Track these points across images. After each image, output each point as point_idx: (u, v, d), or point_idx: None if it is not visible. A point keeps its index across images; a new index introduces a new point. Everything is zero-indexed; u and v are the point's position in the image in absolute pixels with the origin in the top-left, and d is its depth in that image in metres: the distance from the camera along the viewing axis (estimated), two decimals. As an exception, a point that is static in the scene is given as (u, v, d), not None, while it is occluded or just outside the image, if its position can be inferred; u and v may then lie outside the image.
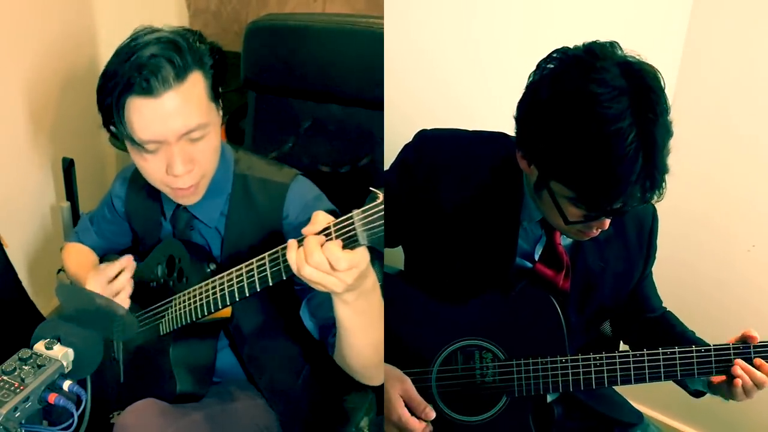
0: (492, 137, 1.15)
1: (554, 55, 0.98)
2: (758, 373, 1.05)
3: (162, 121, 1.00)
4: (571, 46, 0.97)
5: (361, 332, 0.96)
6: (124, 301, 1.16)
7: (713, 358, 1.08)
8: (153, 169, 1.06)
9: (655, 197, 0.94)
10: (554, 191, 0.98)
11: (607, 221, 1.01)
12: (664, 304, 1.29)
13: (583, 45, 0.96)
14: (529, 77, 1.00)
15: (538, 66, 0.99)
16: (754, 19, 1.68)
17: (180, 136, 1.01)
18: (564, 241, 1.13)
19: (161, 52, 0.98)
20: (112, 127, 1.06)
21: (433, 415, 1.04)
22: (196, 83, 1.02)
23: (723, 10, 1.74)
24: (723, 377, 1.08)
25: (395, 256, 1.24)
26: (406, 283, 1.17)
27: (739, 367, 1.06)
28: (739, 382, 1.05)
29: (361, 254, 0.83)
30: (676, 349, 1.09)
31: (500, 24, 1.56)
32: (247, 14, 2.30)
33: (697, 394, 1.17)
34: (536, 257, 1.14)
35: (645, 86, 0.92)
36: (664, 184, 0.93)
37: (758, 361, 1.07)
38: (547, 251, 1.12)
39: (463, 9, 1.51)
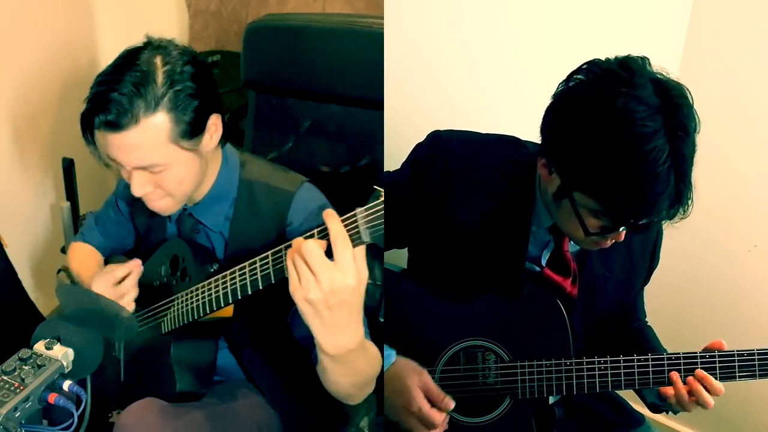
0: (504, 141, 1.15)
1: (586, 66, 0.98)
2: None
3: (118, 152, 1.05)
4: (603, 59, 0.97)
5: (340, 377, 0.96)
6: (129, 304, 1.18)
7: (717, 365, 1.08)
8: (124, 176, 1.11)
9: (680, 213, 0.95)
10: (577, 202, 0.98)
11: (623, 233, 1.01)
12: (664, 305, 1.29)
13: (615, 59, 0.97)
14: (559, 86, 1.00)
15: (570, 76, 0.99)
16: (755, 19, 1.68)
17: (134, 167, 1.06)
18: (571, 248, 1.13)
19: (123, 95, 1.00)
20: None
21: (452, 405, 1.03)
22: (155, 127, 1.02)
23: (723, 12, 1.74)
24: (671, 388, 1.09)
25: (397, 255, 1.24)
26: (410, 281, 1.17)
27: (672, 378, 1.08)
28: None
29: (345, 272, 0.81)
30: (681, 354, 1.08)
31: (500, 24, 1.56)
32: (247, 14, 2.30)
33: (654, 407, 1.17)
34: (543, 262, 1.14)
35: (676, 104, 0.92)
36: (690, 201, 0.94)
37: (699, 372, 1.07)
38: (554, 257, 1.12)
39: (463, 9, 1.51)
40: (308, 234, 0.87)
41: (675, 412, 1.14)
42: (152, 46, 1.06)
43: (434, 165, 1.12)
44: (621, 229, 1.00)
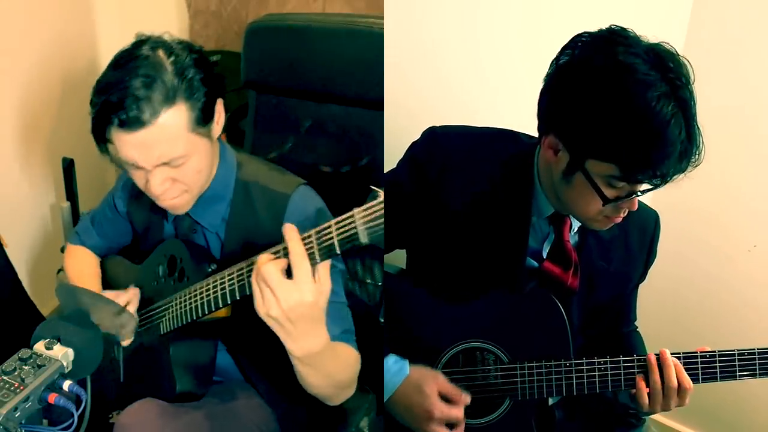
0: (500, 134, 1.16)
1: (578, 38, 0.99)
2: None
3: (138, 152, 1.03)
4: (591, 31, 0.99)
5: (312, 378, 1.00)
6: (129, 335, 1.22)
7: (717, 364, 1.08)
8: (138, 181, 1.10)
9: (693, 161, 0.95)
10: (590, 172, 0.98)
11: (636, 201, 1.01)
12: (663, 304, 1.29)
13: (601, 29, 0.98)
14: (553, 63, 1.00)
15: (563, 51, 0.99)
16: (756, 16, 1.69)
17: (156, 165, 1.04)
18: (571, 239, 1.13)
19: (138, 90, 0.98)
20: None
21: (469, 399, 1.05)
22: (174, 118, 1.01)
23: (723, 10, 1.74)
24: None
25: (396, 255, 1.24)
26: (409, 282, 1.17)
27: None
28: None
29: (302, 290, 0.86)
30: (681, 354, 1.08)
31: (500, 23, 1.56)
32: (247, 14, 2.29)
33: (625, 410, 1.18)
34: (544, 255, 1.13)
35: (667, 57, 0.94)
36: (702, 146, 0.95)
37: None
38: (555, 248, 1.12)
39: (463, 9, 1.51)
40: (274, 249, 0.90)
41: (645, 414, 1.14)
42: (150, 41, 1.06)
43: (432, 161, 1.12)
44: (635, 195, 0.99)
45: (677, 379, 1.06)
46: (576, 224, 1.13)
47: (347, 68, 1.39)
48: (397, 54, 1.35)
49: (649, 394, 1.07)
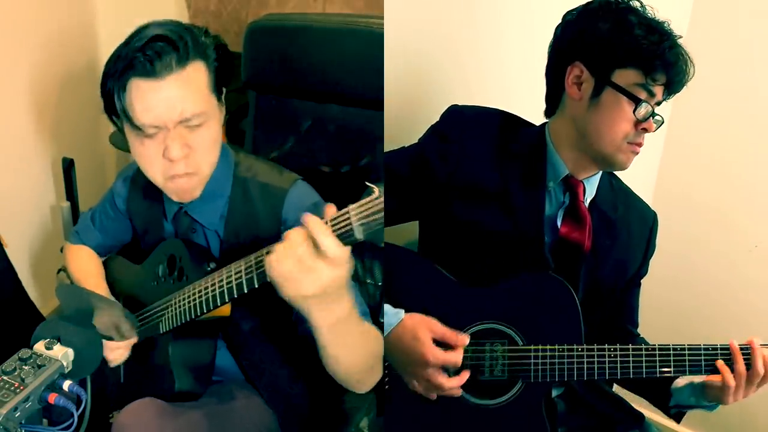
0: (512, 115, 1.22)
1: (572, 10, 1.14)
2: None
3: (162, 104, 1.03)
4: None
5: (339, 350, 0.98)
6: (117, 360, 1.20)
7: (718, 355, 1.09)
8: (150, 155, 1.08)
9: (689, 72, 1.09)
10: (619, 85, 1.08)
11: (654, 125, 1.10)
12: (664, 305, 1.29)
13: None
14: (562, 22, 1.15)
15: (564, 18, 1.15)
16: (756, 16, 1.69)
17: (178, 121, 1.05)
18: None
19: (167, 32, 1.03)
20: (113, 117, 1.09)
21: (467, 339, 1.06)
22: (198, 72, 1.06)
23: (723, 10, 1.75)
24: (719, 377, 1.09)
25: (401, 235, 1.24)
26: (421, 262, 1.17)
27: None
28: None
29: (343, 257, 0.84)
30: (686, 346, 1.10)
31: (501, 23, 1.56)
32: (247, 14, 2.30)
33: (673, 411, 1.18)
34: (559, 223, 1.16)
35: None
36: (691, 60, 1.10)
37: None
38: (570, 210, 1.15)
39: (463, 9, 1.51)
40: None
41: (711, 408, 1.16)
42: (159, 22, 1.09)
43: (452, 132, 1.17)
44: (652, 118, 1.08)
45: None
46: (588, 193, 1.16)
47: (347, 68, 1.39)
48: (396, 54, 1.35)
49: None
